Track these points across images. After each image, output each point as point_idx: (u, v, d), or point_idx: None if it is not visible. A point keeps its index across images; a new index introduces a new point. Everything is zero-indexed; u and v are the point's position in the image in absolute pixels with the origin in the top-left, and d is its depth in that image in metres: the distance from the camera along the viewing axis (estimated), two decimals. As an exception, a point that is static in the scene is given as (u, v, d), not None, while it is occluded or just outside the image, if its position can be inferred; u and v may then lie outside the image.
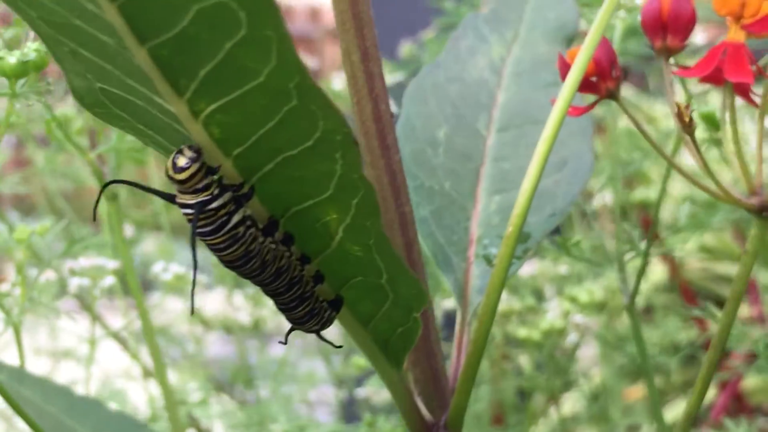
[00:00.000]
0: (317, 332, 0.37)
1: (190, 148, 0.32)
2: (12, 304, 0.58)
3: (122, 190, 0.64)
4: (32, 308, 0.59)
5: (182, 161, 0.32)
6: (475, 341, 0.41)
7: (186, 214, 0.33)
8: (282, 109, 0.31)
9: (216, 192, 0.33)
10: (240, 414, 0.85)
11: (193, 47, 0.29)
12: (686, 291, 1.06)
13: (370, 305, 0.38)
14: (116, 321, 0.88)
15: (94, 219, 0.39)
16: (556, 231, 0.66)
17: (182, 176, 0.32)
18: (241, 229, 0.33)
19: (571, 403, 1.07)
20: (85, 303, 0.68)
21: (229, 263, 0.34)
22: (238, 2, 0.28)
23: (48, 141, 0.88)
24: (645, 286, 1.13)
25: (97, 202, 0.37)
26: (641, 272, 0.60)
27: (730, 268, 1.16)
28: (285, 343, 0.39)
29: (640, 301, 1.19)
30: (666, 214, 1.04)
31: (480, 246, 0.48)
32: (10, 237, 0.59)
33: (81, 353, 0.99)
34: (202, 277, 1.29)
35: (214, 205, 0.33)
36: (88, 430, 0.54)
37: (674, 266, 1.06)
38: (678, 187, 1.05)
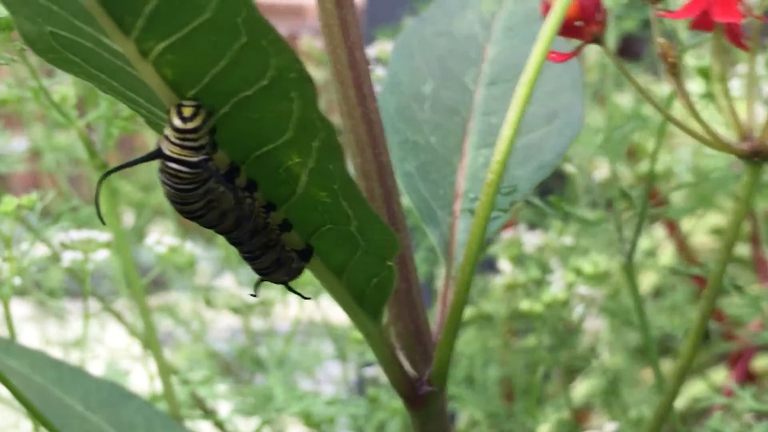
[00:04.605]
0: (285, 283, 0.36)
1: (189, 99, 0.31)
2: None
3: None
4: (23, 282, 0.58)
5: (189, 111, 0.30)
6: (457, 292, 0.39)
7: (175, 171, 0.31)
8: (232, 46, 0.30)
9: (211, 148, 0.31)
10: (244, 396, 0.84)
11: (135, -19, 0.28)
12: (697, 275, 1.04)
13: (342, 254, 0.36)
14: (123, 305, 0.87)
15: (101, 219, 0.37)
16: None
17: (191, 125, 0.30)
18: (212, 182, 0.32)
19: (582, 383, 1.05)
20: (80, 279, 0.67)
21: (188, 214, 0.33)
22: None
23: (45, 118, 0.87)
24: (654, 269, 1.11)
25: (98, 194, 0.35)
26: (639, 227, 0.59)
27: (742, 249, 1.15)
28: (255, 296, 0.37)
29: (649, 282, 1.18)
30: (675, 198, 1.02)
31: (466, 200, 0.46)
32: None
33: (91, 338, 0.98)
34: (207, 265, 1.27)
35: (211, 163, 0.31)
36: (75, 400, 0.53)
37: (682, 244, 1.04)
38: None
